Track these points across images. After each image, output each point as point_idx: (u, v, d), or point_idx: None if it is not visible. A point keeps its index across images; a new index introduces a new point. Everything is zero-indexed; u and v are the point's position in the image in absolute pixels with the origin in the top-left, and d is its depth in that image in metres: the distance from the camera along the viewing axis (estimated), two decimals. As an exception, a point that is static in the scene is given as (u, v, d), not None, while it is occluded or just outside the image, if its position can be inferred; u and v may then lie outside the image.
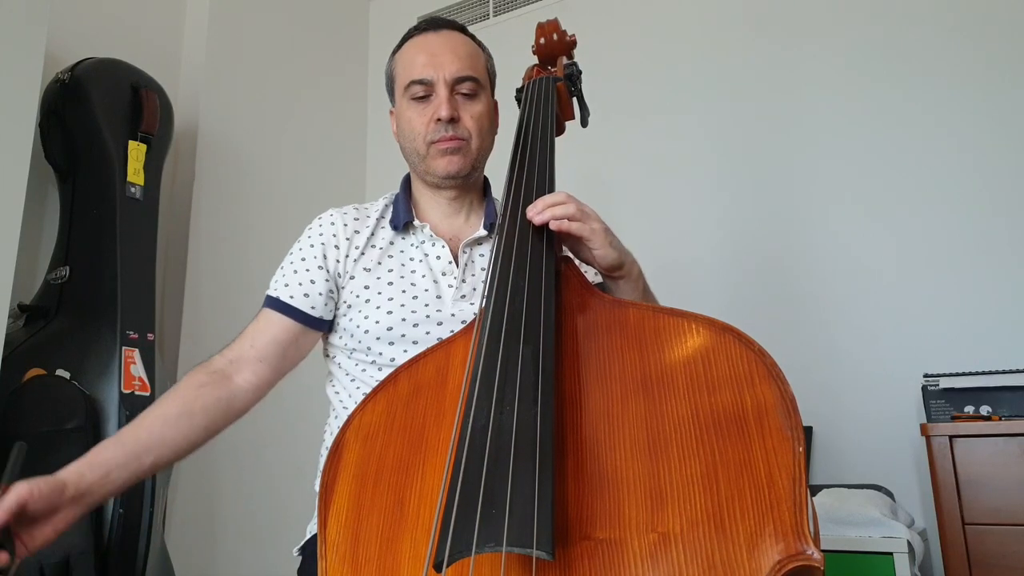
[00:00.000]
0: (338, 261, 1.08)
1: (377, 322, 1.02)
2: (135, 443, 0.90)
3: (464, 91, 1.07)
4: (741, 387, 0.67)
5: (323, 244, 1.09)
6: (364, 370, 1.04)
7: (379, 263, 1.08)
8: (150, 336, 1.83)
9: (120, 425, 1.67)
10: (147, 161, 1.95)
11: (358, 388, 1.05)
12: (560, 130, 1.33)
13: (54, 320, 1.75)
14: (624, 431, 0.68)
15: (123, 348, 1.75)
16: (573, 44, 1.39)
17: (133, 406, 1.71)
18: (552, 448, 0.66)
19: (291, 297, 1.07)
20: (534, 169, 1.05)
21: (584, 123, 1.39)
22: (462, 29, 1.15)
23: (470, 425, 0.69)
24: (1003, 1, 2.10)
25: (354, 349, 1.05)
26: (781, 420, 0.63)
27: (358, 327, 1.04)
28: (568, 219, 0.90)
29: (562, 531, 0.62)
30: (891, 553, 1.57)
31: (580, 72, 1.36)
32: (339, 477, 0.74)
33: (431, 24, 1.12)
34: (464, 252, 1.09)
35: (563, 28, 1.38)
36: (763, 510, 0.58)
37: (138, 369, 1.76)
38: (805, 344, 2.12)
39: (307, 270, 1.08)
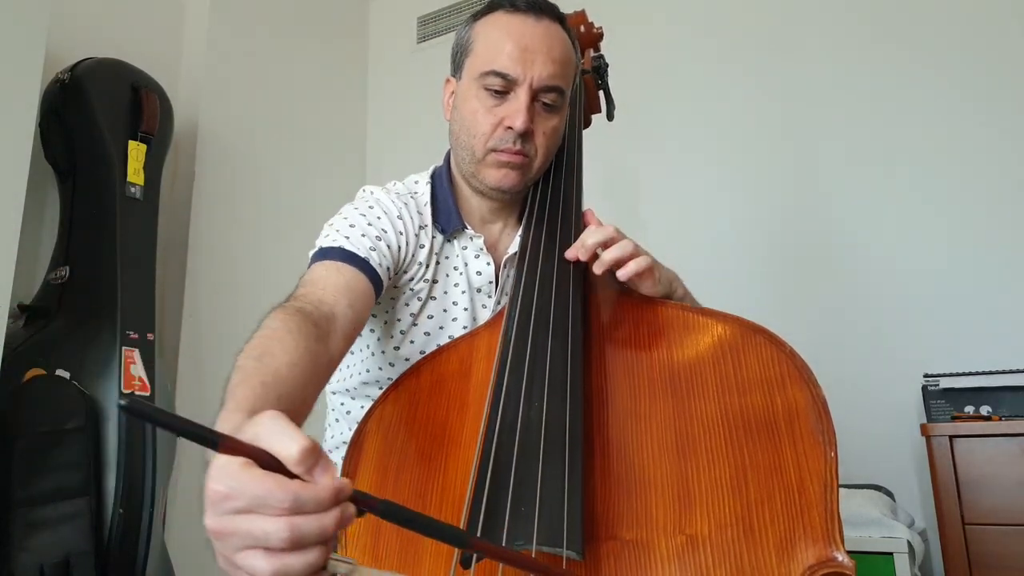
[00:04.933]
0: (404, 259, 0.96)
1: (412, 342, 0.97)
2: (288, 402, 0.64)
3: (546, 101, 0.92)
4: (772, 389, 0.67)
5: (399, 233, 0.95)
6: (381, 388, 0.98)
7: (432, 271, 0.99)
8: (150, 336, 1.83)
9: (121, 427, 1.66)
10: (147, 161, 1.94)
11: (367, 396, 1.03)
12: (587, 123, 1.33)
13: (54, 320, 1.75)
14: (652, 431, 0.68)
15: (123, 348, 1.74)
16: (600, 36, 1.37)
17: (133, 406, 1.70)
18: (582, 444, 0.65)
19: (379, 265, 0.89)
20: (562, 162, 1.05)
21: (610, 116, 1.38)
22: (561, 20, 0.97)
23: (498, 419, 0.68)
24: None
25: (373, 354, 1.00)
26: (813, 424, 0.63)
27: (394, 338, 0.98)
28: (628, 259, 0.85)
29: (589, 530, 0.61)
30: (891, 553, 1.57)
31: (607, 65, 1.35)
32: (360, 468, 0.73)
33: (532, 5, 0.93)
34: (504, 268, 1.01)
35: (590, 20, 1.37)
36: (793, 515, 0.58)
37: (138, 369, 1.76)
38: (805, 344, 2.11)
39: (388, 246, 0.92)
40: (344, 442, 1.04)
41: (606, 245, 0.87)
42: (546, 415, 0.67)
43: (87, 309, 1.77)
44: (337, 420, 1.08)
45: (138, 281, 1.86)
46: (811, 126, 2.31)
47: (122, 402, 0.40)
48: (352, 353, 1.04)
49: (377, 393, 0.97)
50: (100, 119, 1.87)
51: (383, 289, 0.91)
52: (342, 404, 1.08)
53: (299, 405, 0.66)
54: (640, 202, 2.50)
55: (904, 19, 2.24)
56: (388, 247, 0.92)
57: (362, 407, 1.02)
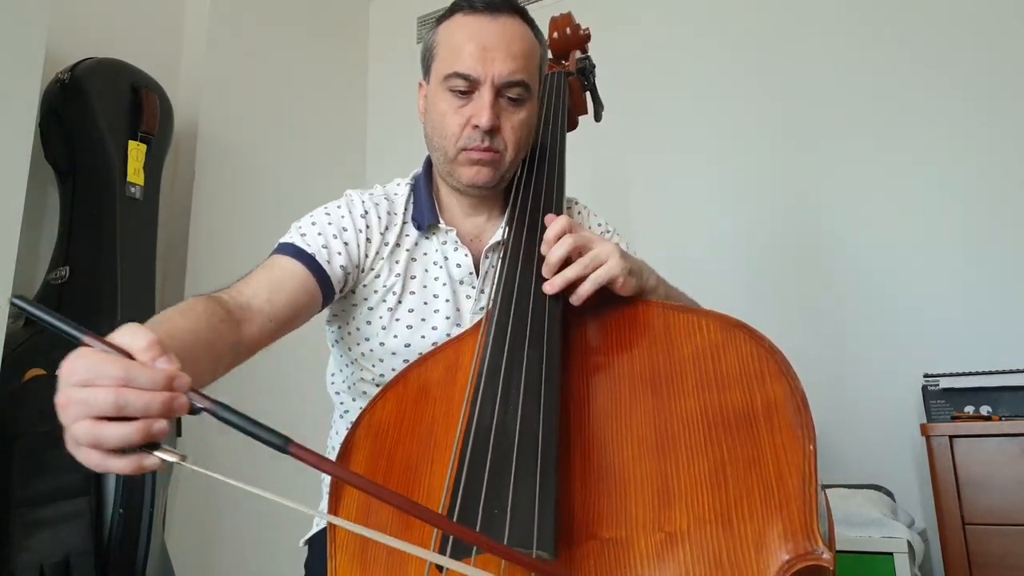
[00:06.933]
0: (367, 256, 1.00)
1: (395, 336, 0.99)
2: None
3: (511, 95, 0.95)
4: (751, 384, 0.67)
5: (359, 231, 0.99)
6: (377, 385, 1.00)
7: (406, 267, 1.01)
8: (150, 336, 1.83)
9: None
10: (147, 161, 1.94)
11: (364, 393, 1.04)
12: (573, 125, 1.33)
13: (54, 320, 1.75)
14: (632, 429, 0.68)
15: (123, 348, 1.74)
16: (587, 38, 1.38)
17: (133, 406, 1.70)
18: (557, 447, 0.65)
19: (328, 262, 0.94)
20: (544, 168, 1.05)
21: (597, 117, 1.38)
22: (522, 14, 0.99)
23: (474, 424, 0.69)
24: None
25: (363, 354, 1.01)
26: (791, 417, 0.63)
27: (377, 335, 0.99)
28: (580, 277, 0.82)
29: (568, 531, 0.61)
30: (891, 553, 1.57)
31: (593, 66, 1.35)
32: None
33: (489, 5, 0.96)
34: (486, 258, 1.02)
35: (576, 22, 1.38)
36: (772, 509, 0.57)
37: (138, 369, 1.76)
38: (806, 344, 2.12)
39: (346, 243, 0.97)
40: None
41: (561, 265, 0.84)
42: (520, 419, 0.67)
43: (87, 309, 1.77)
44: (341, 416, 1.10)
45: (138, 281, 1.86)
46: (812, 126, 2.31)
47: (13, 299, 0.53)
48: (343, 354, 1.06)
49: (373, 391, 0.98)
50: (100, 119, 1.86)
51: (333, 283, 0.95)
52: (341, 403, 1.10)
53: (184, 366, 0.66)
54: (639, 202, 2.50)
55: (906, 19, 2.24)
56: (345, 244, 0.97)
57: (360, 407, 1.03)
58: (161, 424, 0.53)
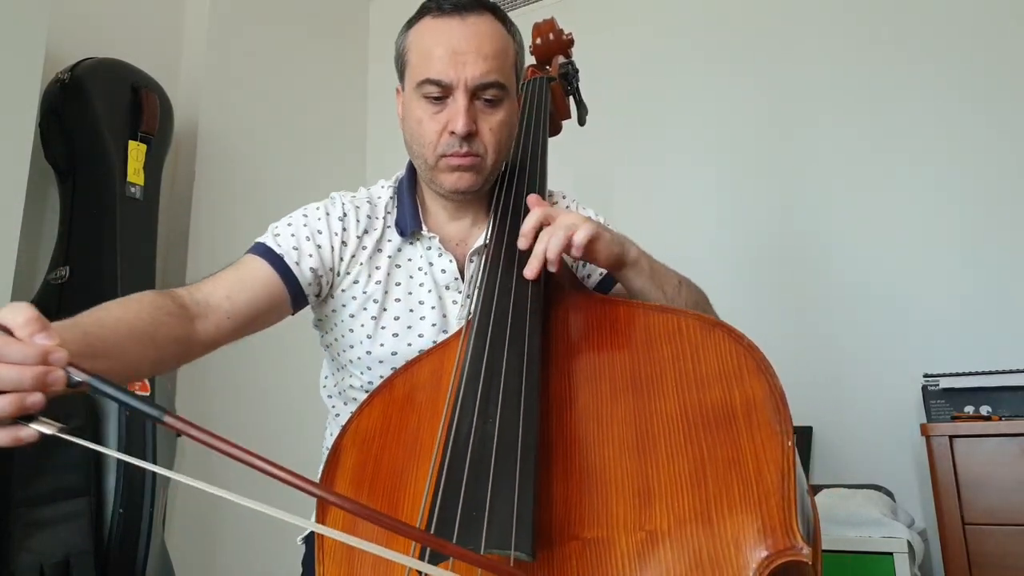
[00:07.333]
0: (342, 259, 0.99)
1: (382, 344, 0.98)
2: (97, 341, 0.72)
3: (487, 97, 0.92)
4: (730, 383, 0.67)
5: (335, 234, 0.99)
6: (366, 391, 1.00)
7: (388, 274, 0.99)
8: (150, 336, 1.83)
9: (121, 426, 1.66)
10: (147, 161, 1.95)
11: (354, 399, 1.04)
12: (556, 130, 1.33)
13: (54, 320, 1.74)
14: (613, 430, 0.68)
15: (123, 348, 1.74)
16: (570, 43, 1.39)
17: (133, 406, 1.70)
18: (536, 450, 0.65)
19: (296, 264, 0.94)
20: (524, 173, 1.05)
21: (581, 121, 1.39)
22: (493, 10, 0.96)
23: (454, 430, 0.69)
24: None
25: (350, 361, 1.01)
26: (770, 415, 0.63)
27: (362, 344, 0.99)
28: (564, 248, 0.83)
29: (549, 531, 0.62)
30: (891, 553, 1.57)
31: (576, 71, 1.35)
32: (336, 483, 0.74)
33: (457, 5, 0.93)
34: (471, 262, 1.00)
35: (559, 27, 1.38)
36: (751, 506, 0.58)
37: (138, 369, 1.76)
38: (806, 344, 2.12)
39: (318, 246, 0.97)
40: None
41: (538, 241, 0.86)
42: (499, 424, 0.68)
43: (87, 309, 1.77)
44: (336, 417, 1.10)
45: (138, 281, 1.86)
46: (809, 127, 2.31)
47: None
48: (333, 359, 1.06)
49: (363, 396, 0.98)
50: (100, 119, 1.87)
51: (303, 285, 0.95)
52: (333, 407, 1.10)
53: (112, 352, 0.73)
54: (635, 204, 2.50)
55: (903, 20, 2.24)
56: (318, 247, 0.97)
57: (351, 411, 1.03)
58: (35, 397, 0.54)
